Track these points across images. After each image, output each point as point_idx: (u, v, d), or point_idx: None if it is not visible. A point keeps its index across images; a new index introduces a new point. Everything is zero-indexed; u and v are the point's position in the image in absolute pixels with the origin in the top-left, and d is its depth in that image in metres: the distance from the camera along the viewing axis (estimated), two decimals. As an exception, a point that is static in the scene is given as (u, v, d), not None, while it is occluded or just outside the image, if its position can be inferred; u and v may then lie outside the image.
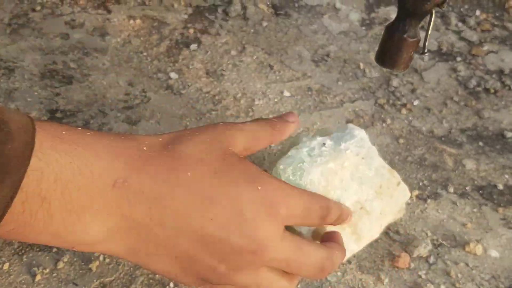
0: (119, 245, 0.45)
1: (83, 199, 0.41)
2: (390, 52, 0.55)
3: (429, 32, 0.55)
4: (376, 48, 0.84)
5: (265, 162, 0.70)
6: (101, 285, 0.56)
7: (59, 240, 0.43)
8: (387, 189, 0.57)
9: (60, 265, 0.57)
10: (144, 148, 0.45)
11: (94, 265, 0.57)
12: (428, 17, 0.54)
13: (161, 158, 0.45)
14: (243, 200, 0.45)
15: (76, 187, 0.41)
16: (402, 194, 0.59)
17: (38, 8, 0.85)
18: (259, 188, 0.46)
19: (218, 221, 0.44)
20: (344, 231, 0.56)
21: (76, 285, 0.55)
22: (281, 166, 0.54)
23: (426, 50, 0.55)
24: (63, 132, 0.41)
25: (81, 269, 0.57)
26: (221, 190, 0.45)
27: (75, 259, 0.57)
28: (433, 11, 0.54)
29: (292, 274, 0.49)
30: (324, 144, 0.56)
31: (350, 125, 0.59)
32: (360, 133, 0.58)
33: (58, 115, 0.71)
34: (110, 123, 0.71)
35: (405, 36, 0.54)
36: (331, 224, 0.52)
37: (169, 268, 0.47)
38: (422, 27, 0.58)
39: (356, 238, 0.57)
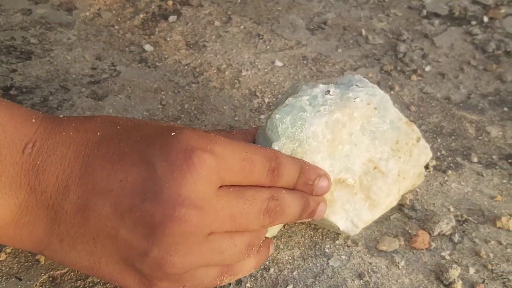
0: (29, 230, 0.37)
1: None
2: None
3: None
4: (380, 15, 0.74)
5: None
6: (50, 279, 0.45)
7: None
8: (405, 145, 0.48)
9: (2, 256, 0.46)
10: (60, 116, 0.40)
11: (42, 257, 0.47)
12: None
13: (76, 121, 0.38)
14: (155, 152, 0.36)
15: None
16: (423, 152, 0.49)
17: (-1, -15, 0.76)
18: (173, 134, 0.37)
19: (128, 183, 0.35)
20: (355, 196, 0.46)
21: (20, 279, 0.45)
22: (277, 116, 0.44)
23: None
24: None
25: (27, 261, 0.46)
26: (131, 145, 0.36)
27: (20, 249, 0.47)
28: None
29: (245, 233, 0.39)
30: (329, 91, 0.46)
31: (357, 75, 0.49)
32: (370, 83, 0.49)
33: (13, 92, 0.61)
34: (72, 99, 0.61)
35: None
36: (296, 188, 0.42)
37: (90, 258, 0.37)
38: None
39: (370, 204, 0.46)
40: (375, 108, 0.47)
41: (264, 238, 0.43)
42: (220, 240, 0.38)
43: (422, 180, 0.51)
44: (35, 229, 0.37)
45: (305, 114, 0.44)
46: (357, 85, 0.47)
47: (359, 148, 0.46)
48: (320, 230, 0.50)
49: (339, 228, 0.46)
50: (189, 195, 0.35)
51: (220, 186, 0.38)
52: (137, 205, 0.35)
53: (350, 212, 0.46)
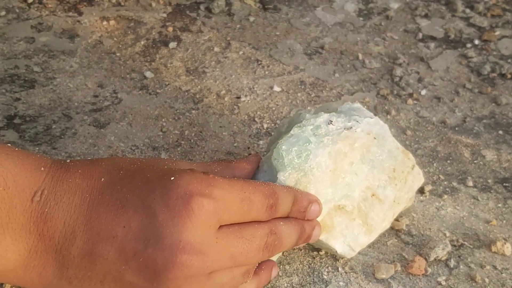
0: (38, 273, 0.39)
1: (4, 217, 0.37)
2: None
3: None
4: (376, 39, 0.76)
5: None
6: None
7: None
8: (401, 173, 0.50)
9: (7, 287, 0.47)
10: (68, 160, 0.42)
11: None
12: None
13: (81, 167, 0.40)
14: (155, 198, 0.37)
15: None
16: (417, 178, 0.52)
17: (3, 13, 0.78)
18: (172, 178, 0.38)
19: (131, 229, 0.37)
20: (353, 222, 0.48)
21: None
22: (284, 147, 0.45)
23: None
24: None
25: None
26: (133, 191, 0.38)
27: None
28: None
29: (244, 266, 0.41)
30: (331, 121, 0.47)
31: (357, 104, 0.51)
32: (369, 112, 0.51)
33: (17, 120, 0.62)
34: (75, 127, 0.62)
35: None
36: (290, 216, 0.44)
37: None
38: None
39: (366, 229, 0.48)
40: (375, 138, 0.49)
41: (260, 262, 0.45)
42: (220, 276, 0.40)
43: (412, 203, 0.53)
44: (44, 272, 0.39)
45: (310, 145, 0.46)
46: (357, 115, 0.49)
47: (359, 177, 0.47)
48: (318, 256, 0.51)
49: (336, 252, 0.48)
50: (189, 240, 0.37)
51: (220, 226, 0.39)
52: (141, 251, 0.37)
53: (347, 237, 0.48)
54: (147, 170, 0.40)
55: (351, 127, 0.47)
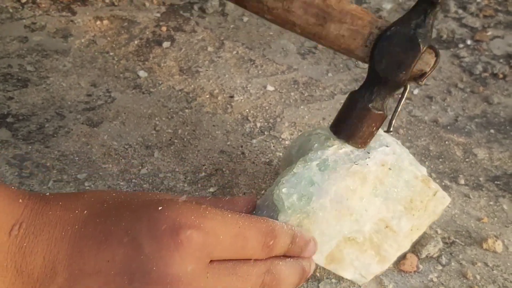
0: None
1: None
2: (348, 121, 0.44)
3: (399, 109, 0.44)
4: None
5: (265, 174, 0.61)
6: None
7: None
8: (420, 203, 0.47)
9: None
10: (48, 193, 0.39)
11: None
12: (401, 91, 0.44)
13: (63, 199, 0.38)
14: (142, 229, 0.35)
15: None
16: (440, 202, 0.48)
17: (-4, 13, 0.78)
18: (160, 208, 0.36)
19: (115, 263, 0.35)
20: (365, 253, 0.46)
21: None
22: (284, 190, 0.43)
23: (391, 129, 0.44)
24: None
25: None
26: (118, 223, 0.36)
27: None
28: (408, 86, 0.44)
29: None
30: (340, 151, 0.45)
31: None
32: (387, 137, 0.48)
33: (10, 119, 0.62)
34: (68, 126, 0.62)
35: (369, 106, 0.44)
36: (286, 255, 0.42)
37: None
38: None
39: (379, 260, 0.47)
40: (390, 169, 0.46)
41: None
42: None
43: (437, 217, 0.50)
44: None
45: (312, 187, 0.43)
46: (372, 144, 0.46)
47: (369, 212, 0.45)
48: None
49: (347, 278, 0.47)
50: (177, 274, 0.35)
51: (211, 261, 0.37)
52: (126, 287, 0.35)
53: (358, 267, 0.47)
54: (132, 201, 0.38)
55: (363, 159, 0.45)
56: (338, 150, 0.46)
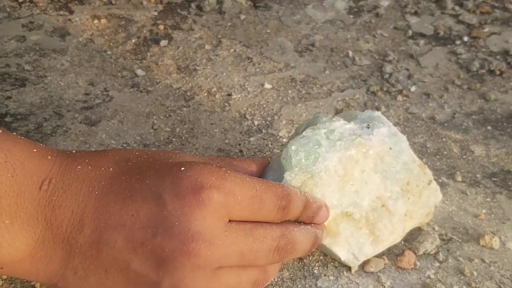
0: (45, 264, 0.38)
1: (13, 204, 0.36)
2: None
3: None
4: (367, 36, 0.76)
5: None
6: None
7: None
8: (416, 187, 0.49)
9: (-2, 284, 0.48)
10: (74, 151, 0.41)
11: (38, 283, 0.48)
12: None
13: (89, 157, 0.40)
14: (165, 187, 0.37)
15: (6, 189, 0.36)
16: (433, 194, 0.50)
17: (-6, 12, 0.78)
18: (183, 169, 0.38)
19: (139, 218, 0.37)
20: (360, 231, 0.47)
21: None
22: (293, 147, 0.45)
23: None
24: (0, 131, 0.39)
25: (23, 287, 0.48)
26: (142, 181, 0.38)
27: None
28: None
29: (252, 268, 0.41)
30: (346, 126, 0.47)
31: (377, 112, 0.50)
32: (389, 122, 0.50)
33: (8, 119, 0.62)
34: (66, 125, 0.62)
35: None
36: (299, 220, 0.44)
37: None
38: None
39: (373, 240, 0.48)
40: (390, 148, 0.48)
41: (272, 278, 0.44)
42: (227, 276, 0.39)
43: (430, 218, 0.52)
44: (51, 262, 0.38)
45: (319, 148, 0.45)
46: (375, 123, 0.48)
47: (369, 186, 0.47)
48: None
49: (340, 259, 0.48)
50: (198, 230, 0.37)
51: (230, 221, 0.39)
52: (149, 239, 0.37)
53: (352, 245, 0.48)
54: (155, 161, 0.40)
55: (366, 135, 0.47)
56: (345, 125, 0.48)
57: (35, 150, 0.39)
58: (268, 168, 0.47)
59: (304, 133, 0.46)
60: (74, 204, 0.38)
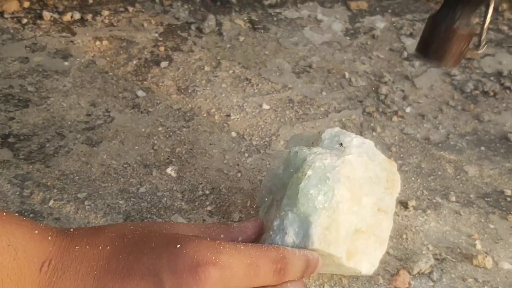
0: None
1: (14, 287, 0.37)
2: (436, 43, 0.44)
3: (487, 24, 0.43)
4: (363, 57, 0.78)
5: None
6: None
7: None
8: (392, 181, 0.51)
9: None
10: (72, 229, 0.42)
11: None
12: (485, 6, 0.43)
13: (86, 235, 0.41)
14: (162, 265, 0.38)
15: (8, 273, 0.37)
16: (398, 181, 0.53)
17: (-2, 34, 0.79)
18: (178, 246, 0.39)
19: None
20: (369, 240, 0.49)
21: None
22: (311, 191, 0.46)
23: (483, 43, 0.44)
24: (4, 214, 0.39)
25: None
26: (139, 259, 0.39)
27: None
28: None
29: None
30: (341, 144, 0.50)
31: (337, 128, 0.52)
32: (351, 133, 0.52)
33: (11, 139, 0.64)
34: (68, 145, 0.64)
35: (455, 26, 0.43)
36: (298, 278, 0.44)
37: None
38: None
39: (380, 243, 0.49)
40: (367, 156, 0.50)
41: None
42: None
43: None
44: None
45: (329, 182, 0.46)
46: (342, 139, 0.50)
47: (368, 196, 0.48)
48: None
49: (361, 272, 0.49)
50: None
51: None
52: None
53: (368, 257, 0.49)
54: (151, 236, 0.41)
55: (345, 155, 0.48)
56: (322, 151, 0.49)
57: (36, 231, 0.40)
58: (272, 232, 0.46)
59: (308, 173, 0.47)
60: (73, 285, 0.38)
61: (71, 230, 0.42)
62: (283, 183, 0.49)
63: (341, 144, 0.50)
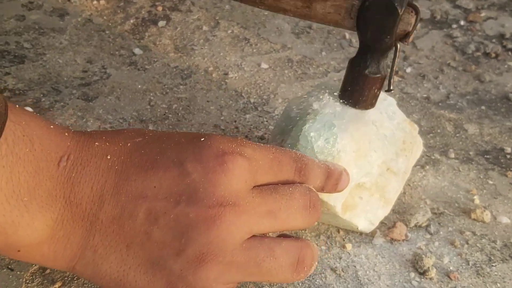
0: (63, 245, 0.37)
1: (31, 181, 0.35)
2: (351, 88, 0.47)
3: (394, 68, 0.46)
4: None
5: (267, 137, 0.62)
6: (41, 270, 0.47)
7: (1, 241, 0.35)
8: (410, 144, 0.51)
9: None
10: (88, 131, 0.41)
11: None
12: (393, 51, 0.46)
13: (107, 133, 0.39)
14: (187, 156, 0.37)
15: (25, 165, 0.34)
16: (419, 147, 0.53)
17: (-6, -8, 0.78)
18: (202, 139, 0.38)
19: (162, 188, 0.36)
20: (372, 198, 0.49)
21: (12, 270, 0.47)
22: (312, 133, 0.46)
23: (391, 88, 0.46)
24: (17, 106, 0.36)
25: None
26: (163, 153, 0.38)
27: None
28: (398, 45, 0.45)
29: (286, 242, 0.40)
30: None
31: None
32: None
33: (6, 94, 0.63)
34: (63, 100, 0.63)
35: (366, 72, 0.46)
36: (324, 192, 0.43)
37: (120, 269, 0.37)
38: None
39: (384, 203, 0.49)
40: (386, 113, 0.50)
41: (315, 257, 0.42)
42: (257, 248, 0.38)
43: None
44: (69, 243, 0.37)
45: (334, 129, 0.46)
46: None
47: (377, 153, 0.48)
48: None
49: (357, 228, 0.49)
50: (223, 194, 0.36)
51: (254, 187, 0.39)
52: (171, 208, 0.36)
53: (369, 213, 0.49)
54: (173, 134, 0.40)
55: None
56: (338, 101, 0.48)
57: (52, 126, 0.37)
58: None
59: (317, 117, 0.46)
60: (93, 180, 0.37)
61: (88, 130, 0.41)
62: (295, 124, 0.49)
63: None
